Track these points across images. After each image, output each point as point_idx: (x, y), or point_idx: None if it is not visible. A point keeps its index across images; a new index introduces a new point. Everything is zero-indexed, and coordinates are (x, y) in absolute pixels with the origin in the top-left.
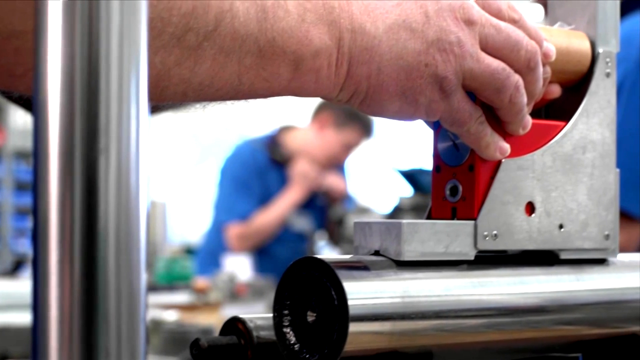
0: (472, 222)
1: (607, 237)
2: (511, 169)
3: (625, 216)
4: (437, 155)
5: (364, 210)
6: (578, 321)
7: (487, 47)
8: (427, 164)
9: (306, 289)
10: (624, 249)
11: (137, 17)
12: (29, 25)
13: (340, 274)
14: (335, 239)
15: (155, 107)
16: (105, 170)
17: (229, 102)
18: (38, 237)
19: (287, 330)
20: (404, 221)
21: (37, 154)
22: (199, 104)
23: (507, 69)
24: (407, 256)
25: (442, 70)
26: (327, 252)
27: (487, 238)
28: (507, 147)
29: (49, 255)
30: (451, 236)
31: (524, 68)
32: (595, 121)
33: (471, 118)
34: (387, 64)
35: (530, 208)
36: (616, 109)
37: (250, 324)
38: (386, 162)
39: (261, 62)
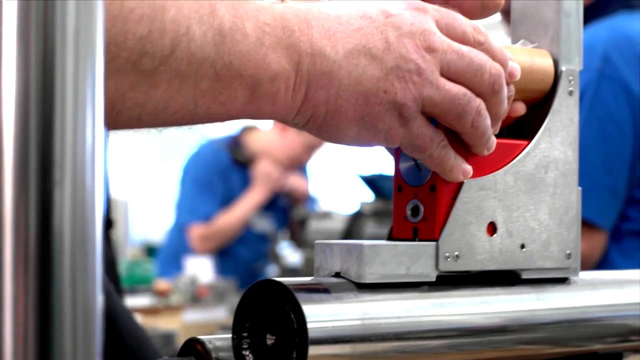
0: (433, 243)
1: (568, 256)
2: (473, 189)
3: (587, 225)
4: (398, 175)
5: (326, 214)
6: (539, 340)
7: (450, 73)
8: (388, 169)
9: (265, 311)
10: (586, 257)
11: (93, 46)
12: None
13: (300, 297)
14: (298, 240)
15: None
16: (60, 203)
17: (185, 127)
18: None
19: (246, 352)
20: (365, 243)
21: None
22: (154, 128)
23: (468, 94)
24: (369, 278)
25: (401, 98)
26: (288, 251)
27: (449, 259)
28: (469, 169)
29: (3, 288)
30: (412, 258)
31: (488, 92)
32: (557, 140)
33: (432, 143)
34: (345, 89)
35: (492, 228)
36: (578, 124)
37: (209, 345)
38: (348, 163)
39: (218, 86)
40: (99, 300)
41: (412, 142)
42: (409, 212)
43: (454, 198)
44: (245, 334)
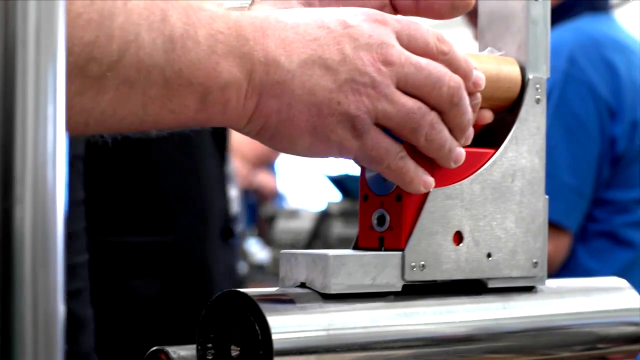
0: (399, 253)
1: (535, 264)
2: (439, 199)
3: (553, 226)
4: (364, 184)
5: (294, 212)
6: (506, 349)
7: (407, 86)
8: (356, 170)
9: (230, 322)
10: (552, 258)
11: (54, 63)
12: None
13: (264, 308)
14: (266, 237)
15: None
16: (21, 220)
17: (134, 133)
18: None
19: None
20: (331, 253)
21: None
22: (102, 133)
23: (423, 108)
24: (334, 289)
25: (354, 110)
26: (256, 248)
27: (415, 269)
28: (431, 180)
29: None
30: (378, 268)
31: (447, 104)
32: (524, 148)
33: (388, 155)
34: (298, 99)
35: (459, 237)
36: (545, 133)
37: (174, 355)
38: (316, 162)
39: (167, 94)
40: (61, 315)
41: (367, 154)
42: (375, 222)
43: (420, 207)
44: (209, 345)
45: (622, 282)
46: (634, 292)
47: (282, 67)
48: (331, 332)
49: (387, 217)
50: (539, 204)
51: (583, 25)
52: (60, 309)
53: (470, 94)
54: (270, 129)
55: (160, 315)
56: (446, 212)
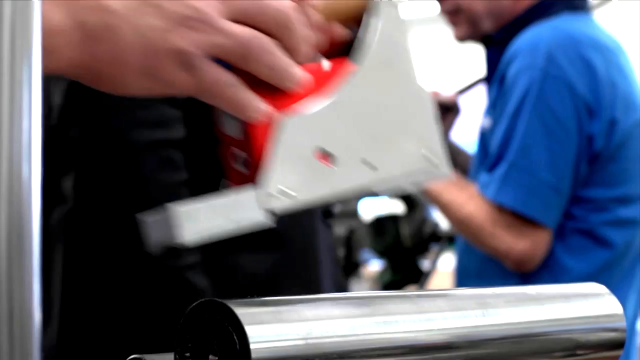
0: (252, 187)
1: (426, 157)
2: (290, 124)
3: (531, 223)
4: (218, 130)
5: None
6: (486, 357)
7: (236, 15)
8: None
9: (208, 331)
10: (530, 255)
11: (29, 66)
12: None
13: (242, 317)
14: None
15: None
16: None
17: None
18: None
19: None
20: (178, 207)
21: None
22: None
23: (257, 35)
24: (189, 239)
25: (185, 45)
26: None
27: (281, 197)
28: (264, 107)
29: None
30: (235, 207)
31: (280, 28)
32: (384, 50)
33: (219, 85)
34: (130, 41)
35: (325, 155)
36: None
37: None
38: None
39: None
40: (37, 321)
41: (202, 88)
42: (235, 163)
43: (273, 137)
44: (187, 354)
45: (601, 288)
46: (613, 297)
47: (111, 10)
48: (309, 341)
49: (244, 156)
50: (415, 96)
51: (561, 24)
52: (37, 315)
53: (306, 13)
54: (104, 74)
55: (267, 293)
56: (302, 134)
